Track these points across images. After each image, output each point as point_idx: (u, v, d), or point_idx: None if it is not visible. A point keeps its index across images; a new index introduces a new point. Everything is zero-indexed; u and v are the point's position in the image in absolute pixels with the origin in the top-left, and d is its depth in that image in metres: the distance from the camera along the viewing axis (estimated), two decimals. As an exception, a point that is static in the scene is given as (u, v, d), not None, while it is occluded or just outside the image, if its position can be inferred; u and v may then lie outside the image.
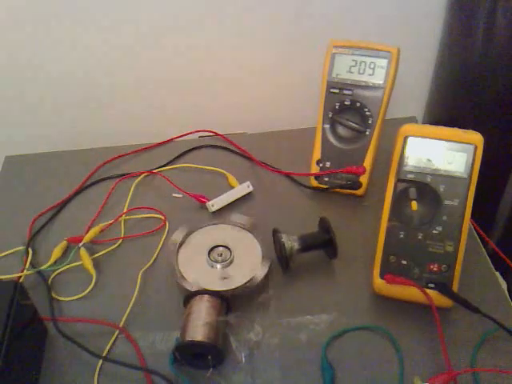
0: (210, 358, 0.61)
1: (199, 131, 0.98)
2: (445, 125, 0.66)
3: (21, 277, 0.74)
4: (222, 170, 0.90)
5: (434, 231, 0.64)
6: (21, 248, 0.79)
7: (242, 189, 0.85)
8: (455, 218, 0.64)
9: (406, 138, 0.65)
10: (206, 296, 0.65)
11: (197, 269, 0.71)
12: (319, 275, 0.73)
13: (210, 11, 0.90)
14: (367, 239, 0.76)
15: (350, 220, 0.80)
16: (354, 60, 0.78)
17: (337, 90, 0.80)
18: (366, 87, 0.78)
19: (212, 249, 0.73)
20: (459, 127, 0.65)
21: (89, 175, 0.91)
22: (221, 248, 0.73)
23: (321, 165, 0.83)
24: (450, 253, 0.64)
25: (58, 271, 0.76)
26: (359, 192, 0.82)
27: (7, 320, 0.58)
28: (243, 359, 0.62)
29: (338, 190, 0.83)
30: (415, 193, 0.65)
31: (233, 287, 0.68)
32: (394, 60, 0.77)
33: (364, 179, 0.81)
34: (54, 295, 0.73)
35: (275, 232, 0.73)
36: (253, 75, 1.00)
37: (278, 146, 0.95)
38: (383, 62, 0.77)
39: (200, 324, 0.61)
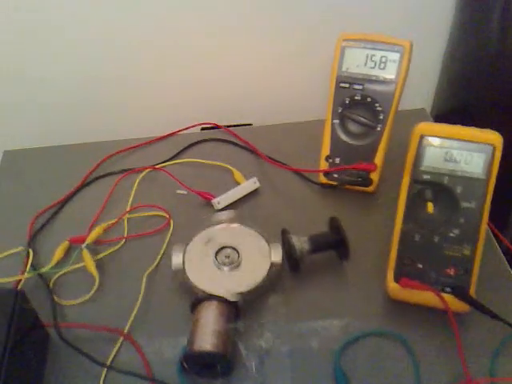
0: (219, 367, 0.59)
1: (203, 124, 0.95)
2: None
3: (21, 280, 0.72)
4: (228, 165, 0.87)
5: (451, 234, 0.62)
6: (21, 249, 0.76)
7: (248, 185, 0.83)
8: (473, 220, 0.61)
9: (421, 137, 0.62)
10: (214, 302, 0.63)
11: (204, 271, 0.68)
12: (330, 277, 0.71)
13: (218, 5, 0.87)
14: (379, 238, 0.74)
15: (361, 218, 0.78)
16: (364, 54, 0.75)
17: (347, 85, 0.77)
18: (378, 82, 0.75)
19: (219, 250, 0.70)
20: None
21: (90, 171, 0.88)
22: (228, 250, 0.70)
23: (330, 161, 0.81)
24: (467, 256, 0.62)
25: (59, 273, 0.73)
26: (370, 189, 0.80)
27: (9, 329, 0.57)
28: (253, 368, 0.61)
29: (347, 186, 0.81)
30: (431, 194, 0.63)
31: (241, 291, 0.65)
32: (406, 54, 0.74)
33: (375, 176, 0.79)
34: (55, 299, 0.70)
35: (284, 233, 0.71)
36: (260, 65, 0.97)
37: (286, 139, 0.92)
38: (395, 56, 0.74)
39: (208, 332, 0.59)
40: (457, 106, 0.97)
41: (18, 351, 0.57)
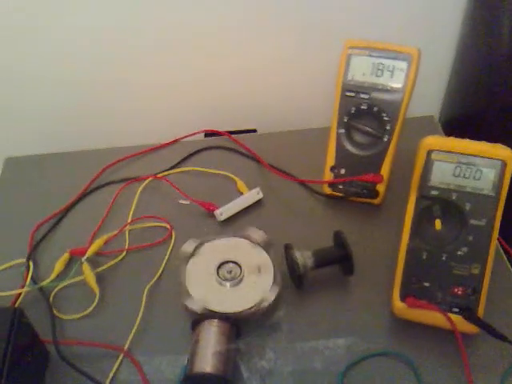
0: (219, 389, 0.58)
1: (206, 131, 0.93)
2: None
3: (21, 294, 0.70)
4: (231, 175, 0.85)
5: (459, 252, 0.60)
6: (20, 261, 0.75)
7: (251, 196, 0.81)
8: (482, 238, 0.59)
9: (429, 152, 0.60)
10: (215, 321, 0.61)
11: (205, 287, 0.67)
12: (334, 294, 0.69)
13: (220, 5, 0.85)
14: (385, 253, 0.72)
15: (367, 231, 0.76)
16: (371, 62, 0.73)
17: (353, 94, 0.75)
18: (384, 91, 0.73)
19: (221, 265, 0.69)
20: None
21: (92, 180, 0.87)
22: (231, 264, 0.69)
23: (335, 171, 0.79)
24: (475, 275, 0.60)
25: (59, 287, 0.72)
26: (376, 201, 0.78)
27: (6, 349, 0.56)
28: (255, 390, 0.59)
29: (353, 198, 0.79)
30: (439, 211, 0.61)
31: (243, 309, 0.64)
32: (414, 62, 0.71)
33: (381, 187, 0.77)
34: (55, 313, 0.69)
35: (288, 248, 0.69)
36: (265, 71, 0.95)
37: (290, 147, 0.90)
38: (403, 65, 0.72)
39: (209, 353, 0.58)
40: (466, 113, 0.95)
41: (16, 370, 0.56)
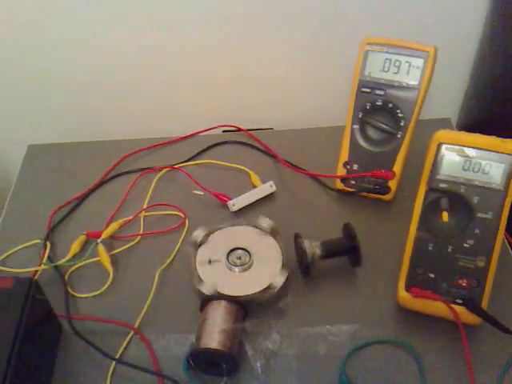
0: (224, 365, 0.59)
1: (223, 126, 0.96)
2: (481, 131, 0.63)
3: (37, 271, 0.73)
4: (245, 168, 0.87)
5: (465, 244, 0.61)
6: (39, 241, 0.78)
7: (264, 188, 0.83)
8: (488, 231, 0.60)
9: (439, 145, 0.61)
10: (223, 302, 0.63)
11: (215, 271, 0.69)
12: (341, 283, 0.71)
13: (237, 5, 0.87)
14: (393, 247, 0.73)
15: (376, 226, 0.77)
16: (387, 59, 0.74)
17: (368, 90, 0.76)
18: (400, 88, 0.75)
19: (231, 251, 0.71)
20: (498, 133, 0.61)
21: (110, 168, 0.89)
22: (240, 251, 0.70)
23: (348, 167, 0.80)
24: (480, 268, 0.61)
25: (75, 267, 0.75)
26: (387, 197, 0.79)
27: (21, 317, 0.58)
28: (259, 369, 0.60)
29: (364, 194, 0.80)
30: (447, 203, 0.62)
31: (251, 293, 0.65)
32: (430, 60, 0.73)
33: (393, 184, 0.78)
34: (70, 291, 0.72)
35: (297, 237, 0.71)
36: (282, 71, 0.97)
37: (304, 144, 0.92)
38: (419, 62, 0.73)
39: (216, 331, 0.59)
40: (484, 117, 0.95)
41: (29, 338, 0.58)
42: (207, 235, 0.73)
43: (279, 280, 0.67)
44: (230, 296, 0.64)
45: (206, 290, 0.66)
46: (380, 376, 0.61)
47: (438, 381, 0.60)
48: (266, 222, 0.74)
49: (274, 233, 0.73)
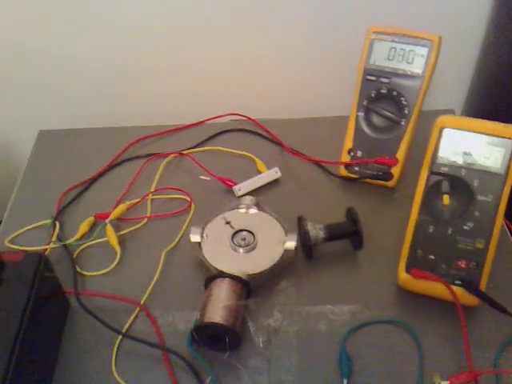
0: (227, 340, 0.61)
1: (231, 114, 0.97)
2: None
3: (46, 250, 0.75)
4: (251, 155, 0.89)
5: (465, 227, 0.62)
6: (48, 221, 0.79)
7: (269, 174, 0.84)
8: (488, 214, 0.61)
9: (441, 129, 0.63)
10: (227, 279, 0.64)
11: (219, 251, 0.70)
12: (343, 265, 0.72)
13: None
14: (394, 232, 0.74)
15: (379, 212, 0.79)
16: (392, 47, 0.76)
17: (373, 78, 0.77)
18: (404, 76, 0.76)
19: (236, 233, 0.72)
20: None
21: (119, 153, 0.91)
22: (244, 232, 0.72)
23: (352, 154, 0.82)
24: (479, 250, 0.62)
25: (83, 246, 0.76)
26: (390, 184, 0.81)
27: (30, 291, 0.59)
28: (261, 345, 0.62)
29: (368, 180, 0.82)
30: (448, 186, 0.63)
31: (254, 272, 0.67)
32: (434, 49, 0.74)
33: (396, 171, 0.79)
34: (78, 269, 0.73)
35: (300, 220, 0.72)
36: (289, 61, 0.98)
37: (310, 133, 0.93)
38: (423, 51, 0.74)
39: (219, 306, 0.61)
40: (488, 110, 0.96)
41: (38, 311, 0.59)
42: (215, 215, 0.74)
43: (282, 260, 0.69)
44: (233, 275, 0.65)
45: (209, 265, 0.68)
46: (379, 354, 0.62)
47: (435, 360, 0.61)
48: (249, 200, 0.75)
49: (278, 216, 0.74)
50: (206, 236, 0.71)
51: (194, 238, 0.71)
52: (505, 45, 0.87)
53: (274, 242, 0.70)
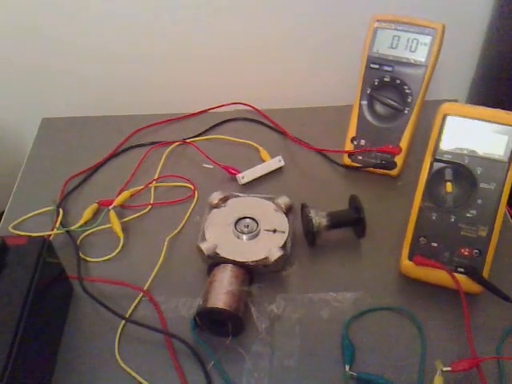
0: (229, 326, 0.61)
1: (235, 103, 0.97)
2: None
3: (50, 235, 0.75)
4: (255, 144, 0.89)
5: (468, 214, 0.62)
6: (52, 208, 0.80)
7: (273, 163, 0.84)
8: (491, 202, 0.61)
9: (445, 116, 0.63)
10: (230, 265, 0.64)
11: (223, 238, 0.70)
12: (345, 253, 0.72)
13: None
14: (397, 220, 0.74)
15: (382, 200, 0.79)
16: (396, 35, 0.76)
17: (377, 66, 0.77)
18: (408, 64, 0.76)
19: (239, 220, 0.72)
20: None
21: (123, 141, 0.91)
22: (248, 220, 0.72)
23: (355, 142, 0.81)
24: (482, 237, 0.62)
25: (87, 232, 0.77)
26: (393, 172, 0.81)
27: (33, 275, 0.59)
28: (263, 330, 0.62)
29: (371, 169, 0.82)
30: (451, 174, 0.63)
31: (257, 259, 0.67)
32: (438, 37, 0.74)
33: (399, 159, 0.79)
34: (81, 255, 0.74)
35: (303, 207, 0.72)
36: (293, 50, 0.98)
37: (313, 122, 0.93)
38: (427, 39, 0.74)
39: (222, 292, 0.61)
40: (493, 99, 0.96)
41: (41, 295, 0.59)
42: (222, 200, 0.74)
43: (285, 248, 0.69)
44: (235, 261, 0.65)
45: (206, 248, 0.67)
46: (381, 341, 0.62)
47: (437, 346, 0.62)
48: (281, 199, 0.74)
49: (287, 209, 0.74)
50: (210, 226, 0.71)
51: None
52: (509, 34, 0.87)
53: (278, 231, 0.70)
